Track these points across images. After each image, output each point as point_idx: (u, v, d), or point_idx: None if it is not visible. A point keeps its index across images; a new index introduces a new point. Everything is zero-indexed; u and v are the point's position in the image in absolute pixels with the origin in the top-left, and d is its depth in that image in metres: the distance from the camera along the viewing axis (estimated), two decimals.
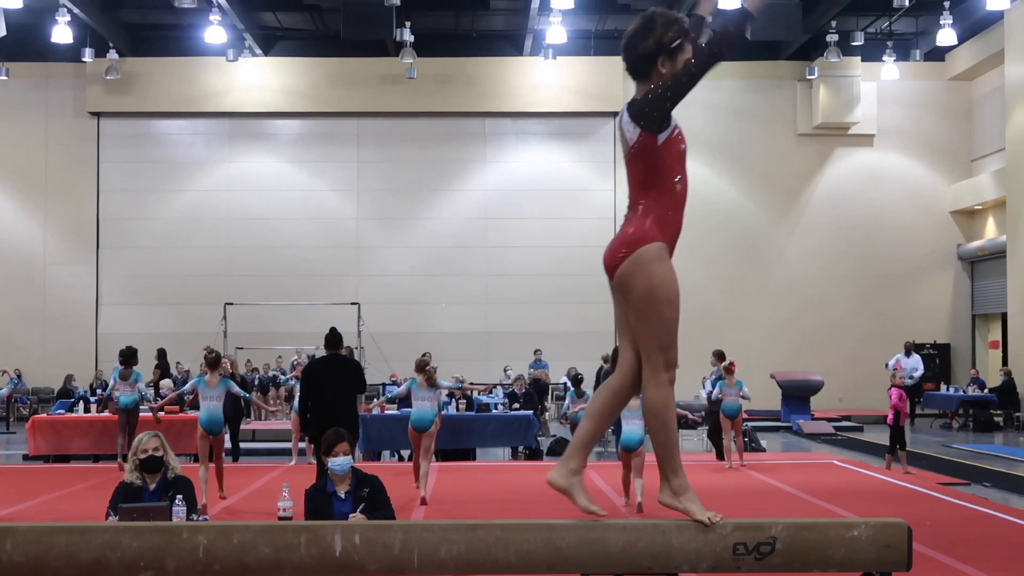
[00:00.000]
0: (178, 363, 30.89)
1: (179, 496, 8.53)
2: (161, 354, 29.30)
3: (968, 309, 35.25)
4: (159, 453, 8.83)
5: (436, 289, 34.73)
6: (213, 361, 15.66)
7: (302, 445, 20.46)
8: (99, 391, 27.39)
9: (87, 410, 22.31)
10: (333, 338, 14.07)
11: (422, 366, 16.51)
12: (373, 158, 35.11)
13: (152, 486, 8.79)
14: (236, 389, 16.30)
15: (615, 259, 4.86)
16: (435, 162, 35.01)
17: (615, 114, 33.85)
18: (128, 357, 19.47)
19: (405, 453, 21.90)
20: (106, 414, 21.71)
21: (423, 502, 15.19)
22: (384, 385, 24.45)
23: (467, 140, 35.16)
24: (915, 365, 29.95)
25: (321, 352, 15.07)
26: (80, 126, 34.88)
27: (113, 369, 21.24)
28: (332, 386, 13.62)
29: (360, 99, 34.69)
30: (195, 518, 8.61)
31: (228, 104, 34.69)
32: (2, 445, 25.80)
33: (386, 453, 22.56)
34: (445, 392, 20.14)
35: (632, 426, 14.76)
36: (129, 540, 4.65)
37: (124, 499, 8.59)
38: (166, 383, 24.27)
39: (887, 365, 29.72)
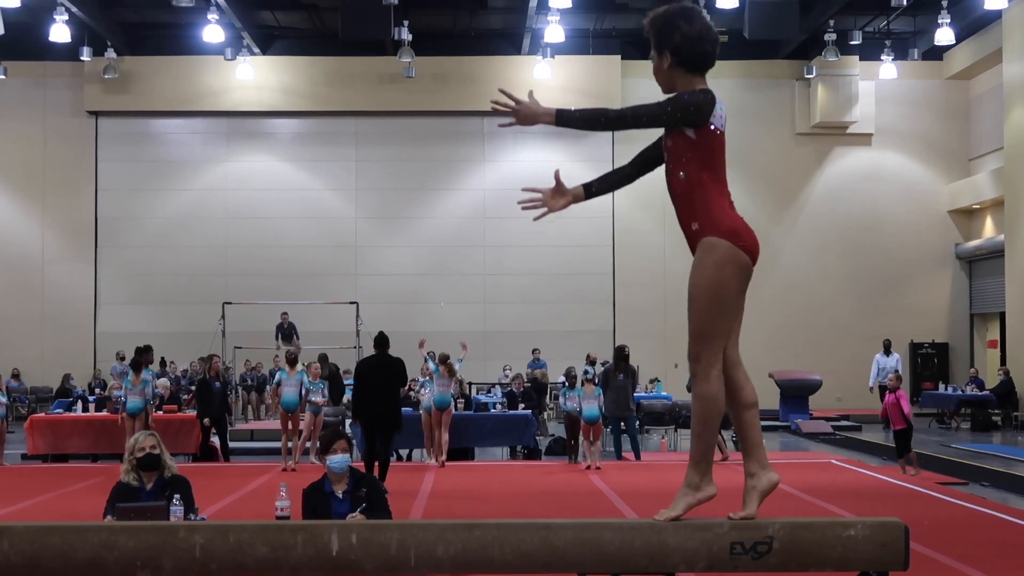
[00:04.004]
0: (172, 362, 30.83)
1: (176, 495, 8.51)
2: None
3: (966, 308, 35.25)
4: (156, 451, 8.80)
5: (434, 288, 34.73)
6: (293, 360, 20.29)
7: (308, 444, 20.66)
8: (97, 390, 27.43)
9: (85, 409, 22.33)
10: (382, 339, 16.92)
11: (444, 359, 20.29)
12: (371, 157, 35.11)
13: (149, 485, 8.75)
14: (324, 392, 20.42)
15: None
16: (433, 161, 35.00)
17: None
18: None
19: (403, 452, 21.93)
20: (104, 413, 21.75)
21: (442, 464, 19.73)
22: None
23: (465, 139, 35.16)
24: (894, 365, 29.69)
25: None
26: (78, 125, 34.88)
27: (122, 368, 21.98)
28: (381, 381, 16.41)
29: (358, 98, 34.69)
30: (192, 517, 8.59)
31: (226, 103, 34.69)
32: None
33: None
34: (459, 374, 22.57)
35: (589, 405, 19.89)
36: (125, 540, 4.64)
37: (121, 499, 8.56)
38: (162, 382, 24.25)
39: (872, 380, 29.71)
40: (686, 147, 4.97)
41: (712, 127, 4.94)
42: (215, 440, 21.25)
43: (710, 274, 4.89)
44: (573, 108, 5.00)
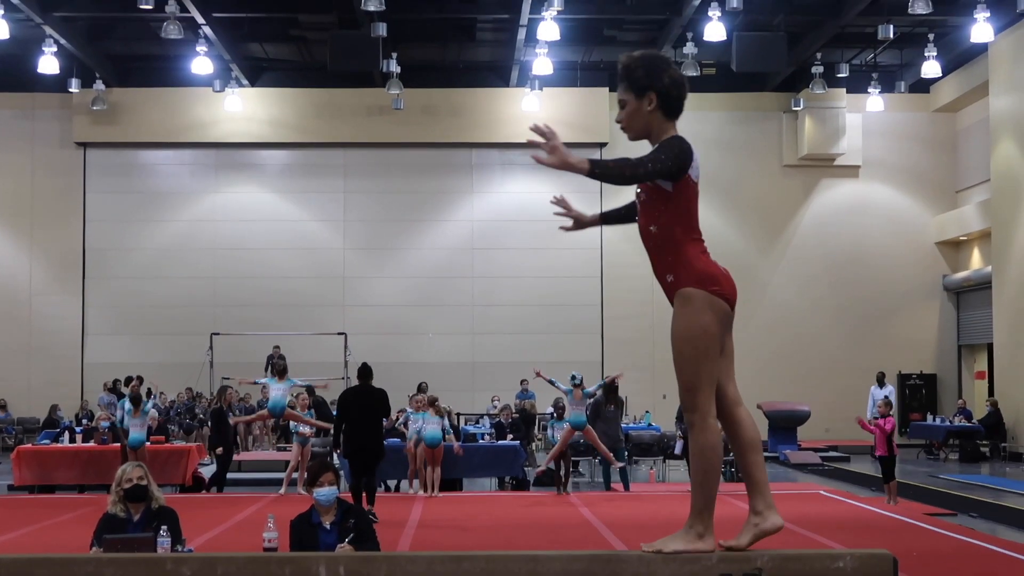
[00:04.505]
0: (162, 393, 30.70)
1: (163, 527, 8.48)
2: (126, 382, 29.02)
3: (954, 340, 35.27)
4: (143, 482, 8.78)
5: (423, 319, 34.67)
6: (282, 371, 20.90)
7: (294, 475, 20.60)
8: (85, 421, 27.34)
9: (72, 440, 22.25)
10: (365, 370, 17.04)
11: (433, 401, 20.56)
12: (360, 189, 35.10)
13: (136, 517, 8.73)
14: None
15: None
16: (422, 193, 34.99)
17: (601, 145, 33.90)
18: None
19: (391, 483, 21.91)
20: (91, 444, 21.70)
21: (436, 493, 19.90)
22: None
23: (453, 171, 35.16)
24: (885, 395, 29.47)
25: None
26: (66, 156, 34.83)
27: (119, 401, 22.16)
28: (363, 412, 16.62)
29: (347, 130, 34.71)
30: (179, 549, 8.55)
31: (214, 135, 34.67)
32: None
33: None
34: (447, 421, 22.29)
35: (577, 410, 20.34)
36: (113, 572, 4.62)
37: (108, 530, 8.53)
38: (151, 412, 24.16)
39: (868, 414, 29.42)
40: (660, 200, 4.95)
41: (689, 177, 4.94)
42: (205, 470, 21.28)
43: (691, 324, 4.88)
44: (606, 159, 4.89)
